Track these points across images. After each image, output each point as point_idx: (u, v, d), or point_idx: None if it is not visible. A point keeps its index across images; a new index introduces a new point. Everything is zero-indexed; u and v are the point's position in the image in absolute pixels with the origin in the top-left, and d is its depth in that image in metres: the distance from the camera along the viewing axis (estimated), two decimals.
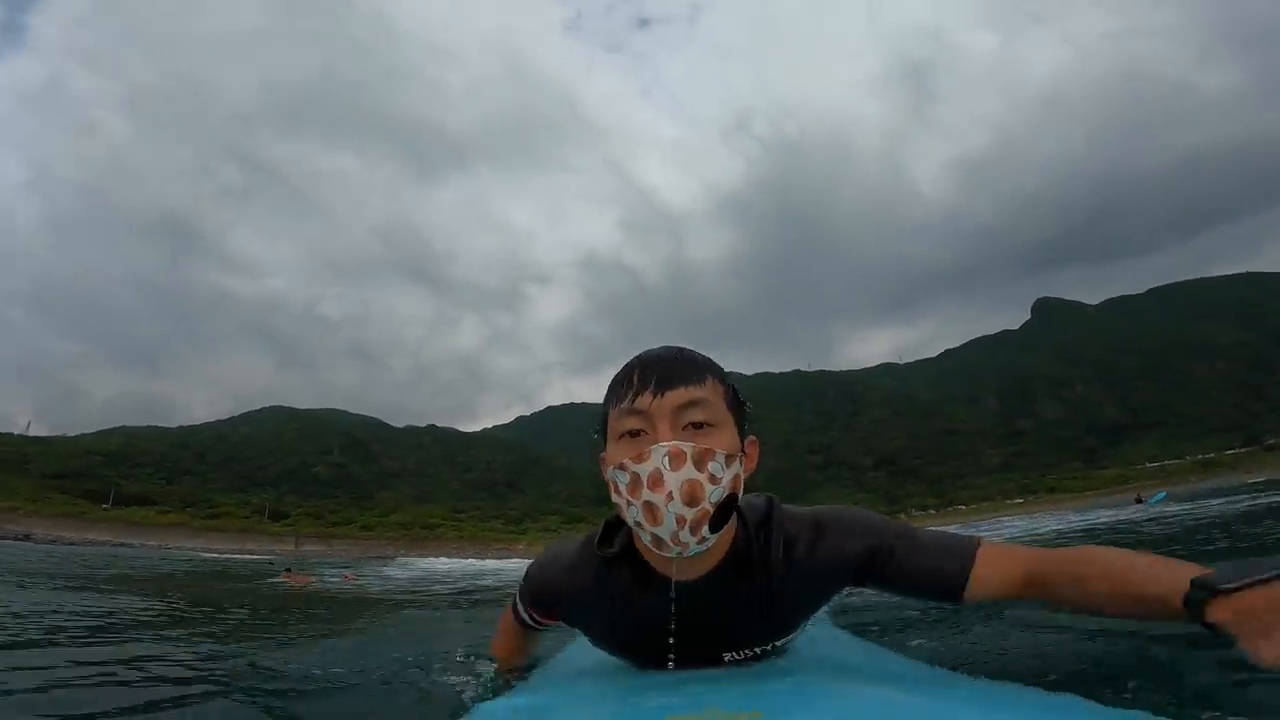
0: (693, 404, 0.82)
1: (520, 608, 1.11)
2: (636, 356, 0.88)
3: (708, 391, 0.83)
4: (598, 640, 1.06)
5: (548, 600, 1.05)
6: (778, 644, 0.98)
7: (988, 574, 0.86)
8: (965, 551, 0.87)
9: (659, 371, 0.83)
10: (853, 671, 0.95)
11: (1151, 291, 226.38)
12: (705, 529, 0.80)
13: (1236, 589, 0.62)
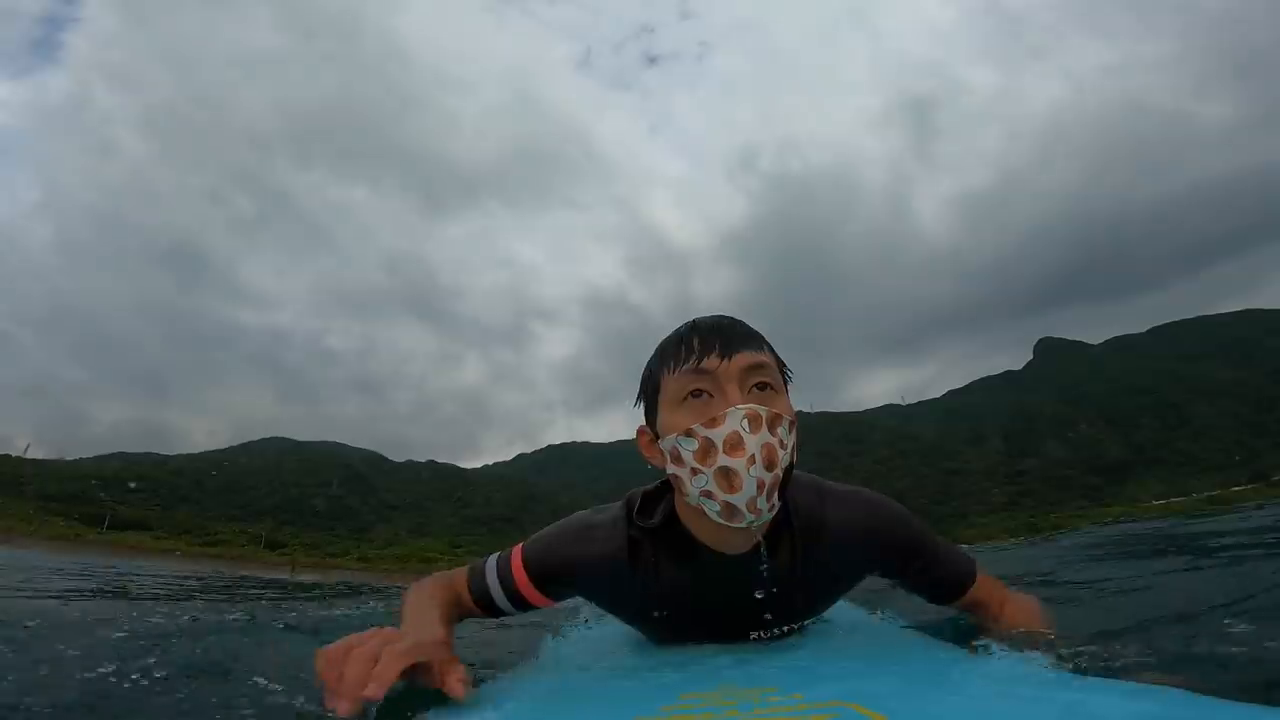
0: (758, 366, 0.80)
1: (496, 584, 0.96)
2: (687, 322, 0.85)
3: (767, 356, 0.82)
4: (622, 616, 1.03)
5: (566, 577, 0.96)
6: (806, 623, 1.00)
7: (979, 591, 1.00)
8: (970, 565, 1.01)
9: (722, 334, 0.81)
10: (862, 644, 0.94)
11: (1153, 330, 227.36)
12: (776, 495, 0.78)
13: None
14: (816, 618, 1.03)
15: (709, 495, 0.77)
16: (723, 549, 0.87)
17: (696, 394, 0.79)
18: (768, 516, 0.80)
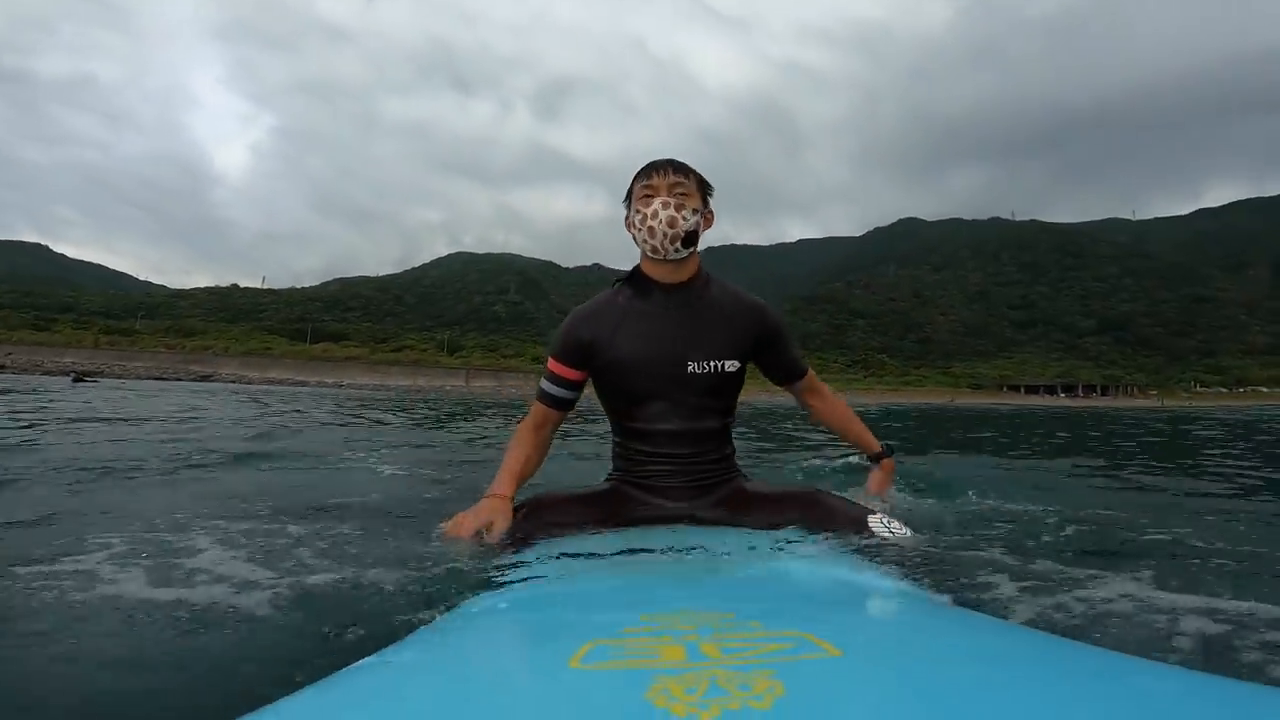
0: (679, 183, 1.40)
1: (546, 383, 1.50)
2: (651, 161, 1.47)
3: (688, 180, 1.42)
4: (608, 359, 1.44)
5: (578, 335, 1.45)
6: (724, 367, 1.42)
7: (817, 380, 1.61)
8: (805, 362, 1.57)
9: (663, 165, 1.42)
10: (823, 576, 0.99)
11: None
12: (679, 243, 1.37)
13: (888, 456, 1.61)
14: (737, 369, 1.45)
15: (645, 241, 1.38)
16: (665, 280, 1.44)
17: (647, 197, 1.39)
18: (675, 255, 1.39)
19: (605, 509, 1.41)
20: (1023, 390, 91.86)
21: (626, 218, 1.47)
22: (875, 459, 1.63)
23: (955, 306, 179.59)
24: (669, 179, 1.40)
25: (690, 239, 1.39)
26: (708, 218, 1.45)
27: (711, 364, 1.41)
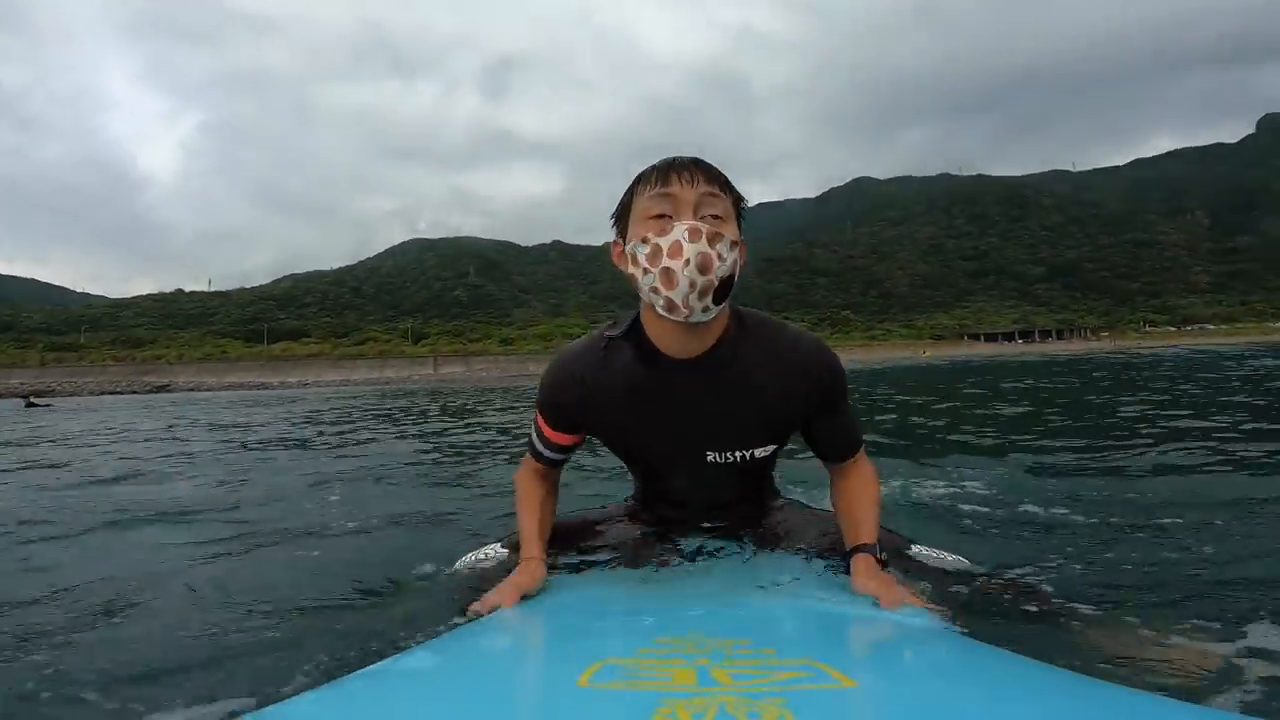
0: (713, 196, 0.93)
1: (537, 440, 1.16)
2: (663, 159, 0.98)
3: (722, 194, 0.95)
4: (609, 435, 1.13)
5: (563, 397, 1.09)
6: (754, 454, 1.07)
7: (861, 461, 1.12)
8: (861, 434, 1.12)
9: (689, 166, 0.94)
10: (838, 602, 0.95)
11: None
12: (710, 298, 0.90)
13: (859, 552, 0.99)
14: (771, 453, 1.12)
15: (655, 291, 0.91)
16: (676, 354, 1.00)
17: (659, 217, 0.92)
18: (701, 317, 0.92)
19: (625, 536, 1.24)
20: (982, 338, 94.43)
21: (619, 244, 1.01)
22: (852, 550, 1.03)
23: (912, 261, 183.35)
24: (698, 188, 0.94)
25: (725, 289, 0.92)
26: (743, 250, 0.98)
27: (736, 454, 1.08)
